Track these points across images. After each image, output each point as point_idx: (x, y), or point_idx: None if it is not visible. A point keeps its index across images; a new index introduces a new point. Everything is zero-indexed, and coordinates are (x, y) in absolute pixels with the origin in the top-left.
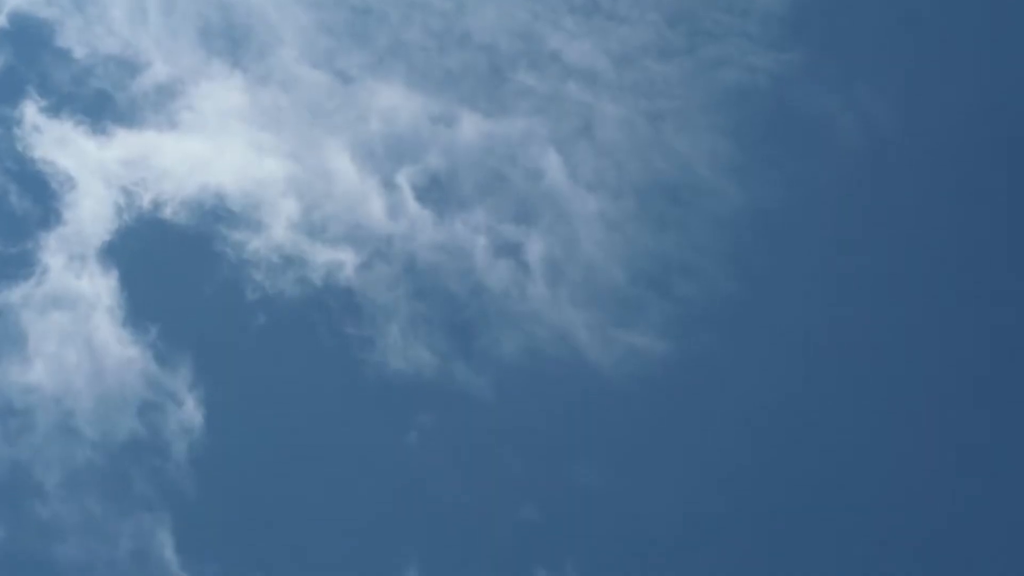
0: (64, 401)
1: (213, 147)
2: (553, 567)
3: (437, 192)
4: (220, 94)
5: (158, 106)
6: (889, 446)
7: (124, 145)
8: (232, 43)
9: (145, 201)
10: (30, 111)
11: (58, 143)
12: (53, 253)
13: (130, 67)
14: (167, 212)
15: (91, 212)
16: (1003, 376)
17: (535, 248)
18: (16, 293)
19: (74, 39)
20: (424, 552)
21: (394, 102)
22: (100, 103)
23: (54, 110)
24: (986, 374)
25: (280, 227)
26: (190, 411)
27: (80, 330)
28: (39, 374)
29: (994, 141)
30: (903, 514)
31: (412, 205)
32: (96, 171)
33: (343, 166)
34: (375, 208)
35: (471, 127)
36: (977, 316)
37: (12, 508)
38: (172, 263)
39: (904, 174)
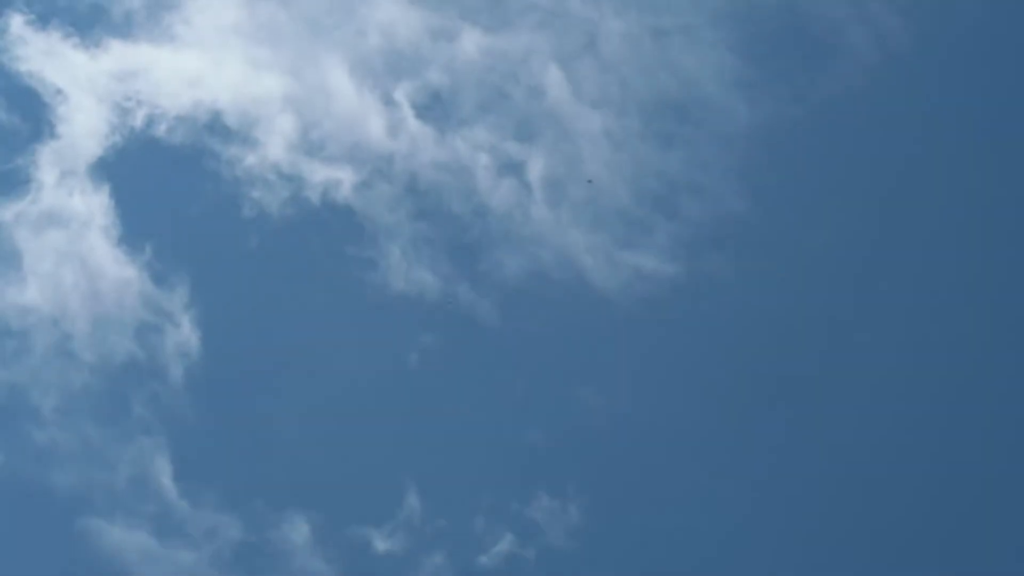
0: (61, 323)
1: (209, 62)
2: (556, 490)
3: (437, 109)
4: (217, 8)
5: (153, 19)
6: (898, 368)
7: (117, 58)
8: None
9: (139, 117)
10: (15, 22)
11: (45, 55)
12: (45, 170)
13: None
14: (161, 128)
15: (83, 127)
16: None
17: (538, 168)
18: (9, 211)
19: None
20: (425, 475)
21: (393, 16)
22: (93, 15)
23: (42, 22)
24: (992, 296)
25: (277, 145)
26: (187, 333)
27: (75, 249)
28: (35, 295)
29: (1007, 55)
30: (901, 428)
31: (412, 123)
32: (87, 85)
33: (342, 82)
34: (374, 126)
35: (472, 42)
36: (984, 233)
37: (9, 433)
38: (167, 181)
39: (916, 89)
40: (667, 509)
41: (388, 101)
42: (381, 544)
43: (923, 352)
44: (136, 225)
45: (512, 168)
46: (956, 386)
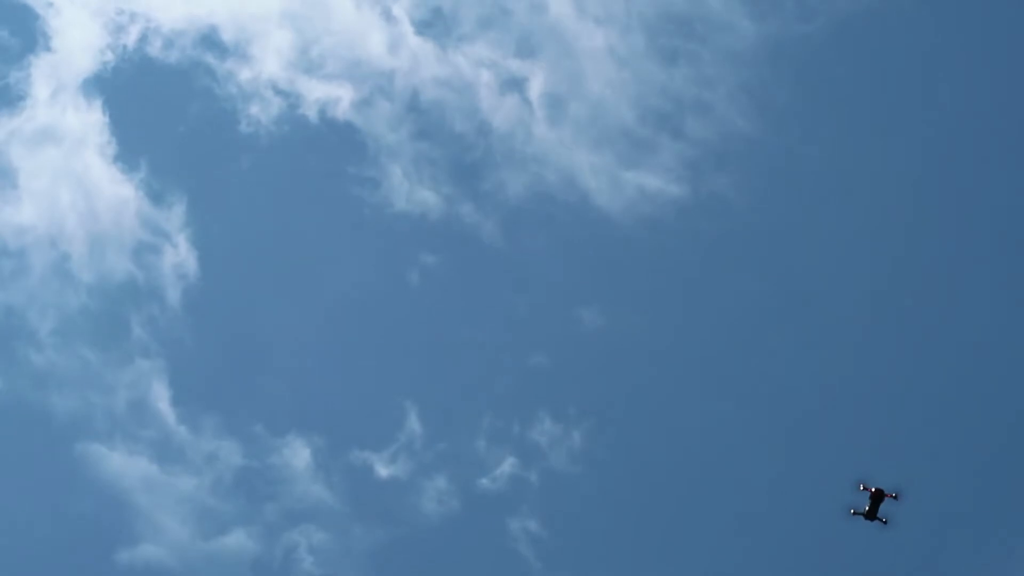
0: (58, 243)
1: None
2: (558, 413)
3: (438, 25)
4: None
5: None
6: (902, 291)
7: None
8: None
9: (133, 31)
10: None
11: None
12: (39, 85)
13: None
14: (156, 43)
15: (77, 42)
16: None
17: (540, 85)
18: (3, 128)
19: None
20: (427, 398)
21: None
22: None
23: None
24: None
25: (274, 61)
26: (184, 253)
27: (71, 167)
28: (31, 214)
29: None
30: (900, 349)
31: (412, 39)
32: None
33: None
34: (374, 42)
35: None
36: (987, 156)
37: (7, 357)
38: (162, 97)
39: (925, 9)
40: (670, 431)
41: (388, 17)
42: (383, 469)
43: (926, 274)
44: (131, 142)
45: (514, 85)
46: (954, 301)
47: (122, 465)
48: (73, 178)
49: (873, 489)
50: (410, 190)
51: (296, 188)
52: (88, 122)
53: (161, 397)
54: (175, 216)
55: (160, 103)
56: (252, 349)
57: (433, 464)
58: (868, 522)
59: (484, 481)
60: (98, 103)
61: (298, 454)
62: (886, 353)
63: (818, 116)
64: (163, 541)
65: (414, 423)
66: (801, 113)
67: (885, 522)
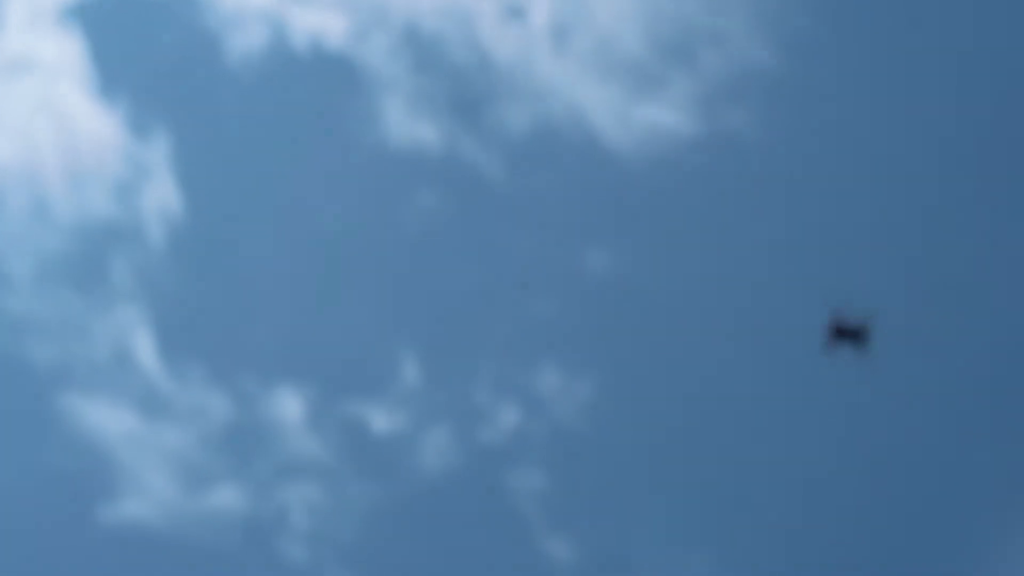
0: (35, 180)
1: None
2: (562, 361)
3: None
4: None
5: None
6: (921, 227)
7: None
8: None
9: None
10: None
11: None
12: (12, 12)
13: None
14: None
15: None
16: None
17: (544, 15)
18: None
19: None
20: (425, 345)
21: None
22: None
23: None
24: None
25: None
26: (168, 192)
27: (47, 99)
28: (6, 149)
29: None
30: (917, 283)
31: None
32: None
33: None
34: None
35: None
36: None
37: None
38: (143, 25)
39: None
40: (682, 381)
41: None
42: (379, 421)
43: (944, 207)
44: (111, 73)
45: (516, 14)
46: (977, 243)
47: (104, 418)
48: (50, 111)
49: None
50: (407, 126)
51: (286, 123)
52: (65, 52)
53: (145, 346)
54: (158, 152)
55: (141, 32)
56: (240, 294)
57: (432, 415)
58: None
59: (486, 433)
60: (76, 31)
61: (290, 406)
62: (902, 295)
63: (842, 47)
64: (147, 497)
65: (412, 372)
66: (824, 44)
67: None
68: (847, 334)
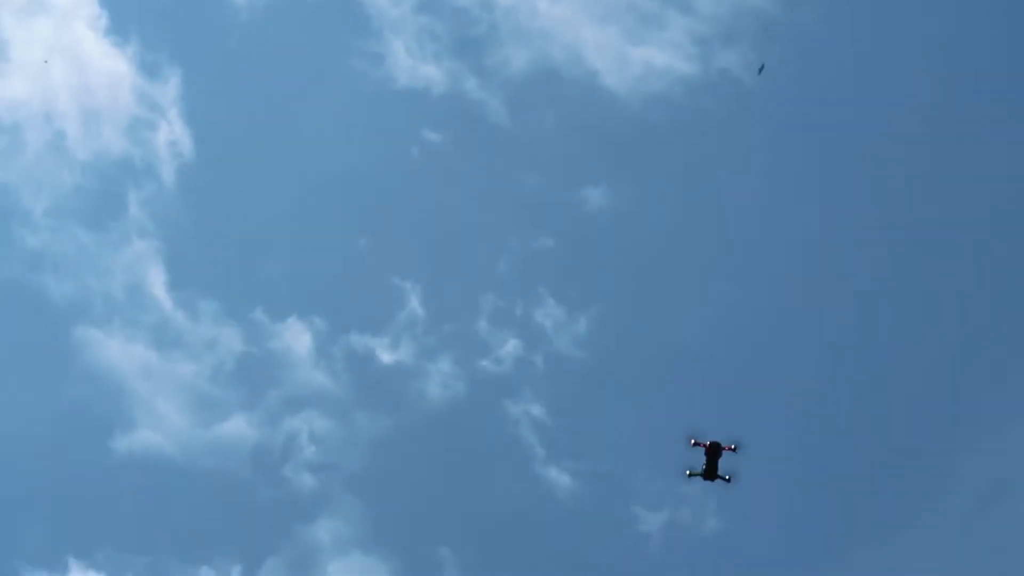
0: (53, 119)
1: None
2: (561, 294)
3: None
4: None
5: None
6: (920, 166)
7: None
8: None
9: None
10: None
11: None
12: None
13: None
14: None
15: None
16: None
17: None
18: None
19: None
20: (428, 279)
21: None
22: None
23: None
24: None
25: None
26: (179, 130)
27: (62, 40)
28: (24, 88)
29: None
30: (913, 218)
31: None
32: None
33: None
34: None
35: None
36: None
37: (1, 238)
38: None
39: None
40: (677, 314)
41: None
42: (385, 353)
43: (935, 142)
44: (122, 14)
45: None
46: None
47: (120, 351)
48: (64, 52)
49: (707, 443)
50: (413, 65)
51: (295, 62)
52: None
53: (159, 281)
54: (170, 91)
55: None
56: (250, 230)
57: (436, 347)
58: (708, 482)
59: (487, 364)
60: None
61: (299, 339)
62: (895, 237)
63: None
64: (161, 428)
65: (416, 306)
66: None
67: (728, 480)
68: (713, 455)
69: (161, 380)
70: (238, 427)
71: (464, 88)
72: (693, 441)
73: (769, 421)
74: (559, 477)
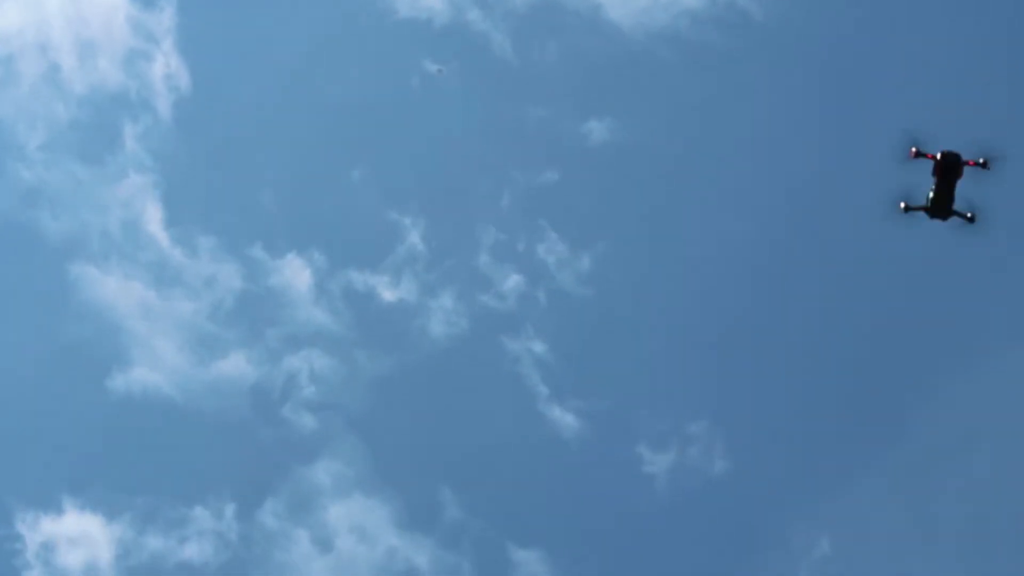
0: (47, 50)
1: None
2: (561, 226)
3: None
4: None
5: None
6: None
7: None
8: None
9: None
10: None
11: None
12: None
13: None
14: None
15: None
16: None
17: None
18: None
19: None
20: (429, 213)
21: None
22: None
23: None
24: None
25: None
26: (176, 61)
27: None
28: (17, 18)
29: None
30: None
31: None
32: None
33: None
34: None
35: None
36: None
37: None
38: None
39: None
40: (681, 251)
41: None
42: (386, 290)
43: (966, 68)
44: None
45: None
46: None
47: (117, 289)
48: None
49: (938, 155)
50: None
51: None
52: None
53: (156, 218)
54: (165, 21)
55: None
56: (248, 164)
57: (437, 283)
58: (938, 220)
59: (489, 299)
60: None
61: (299, 276)
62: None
63: None
64: (159, 367)
65: (417, 241)
66: None
67: (971, 219)
68: (946, 176)
69: (159, 318)
70: (237, 366)
71: (467, 19)
72: (915, 151)
73: (777, 359)
74: (562, 416)
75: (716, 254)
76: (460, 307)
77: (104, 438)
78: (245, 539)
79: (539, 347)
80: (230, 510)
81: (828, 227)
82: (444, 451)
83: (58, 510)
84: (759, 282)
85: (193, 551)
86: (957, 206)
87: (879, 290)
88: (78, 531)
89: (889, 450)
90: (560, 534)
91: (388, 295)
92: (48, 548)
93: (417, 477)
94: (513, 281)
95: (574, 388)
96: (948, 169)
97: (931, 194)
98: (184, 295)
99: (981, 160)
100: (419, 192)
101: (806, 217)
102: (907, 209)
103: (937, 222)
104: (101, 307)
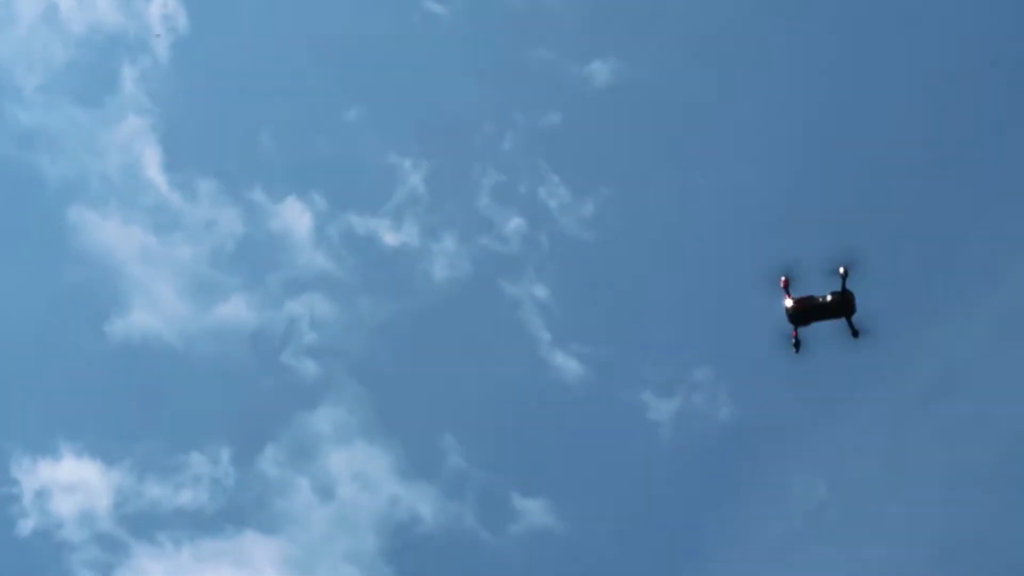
0: None
1: None
2: (563, 168)
3: None
4: None
5: None
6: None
7: None
8: None
9: None
10: None
11: None
12: None
13: None
14: None
15: None
16: None
17: None
18: None
19: None
20: (430, 156)
21: None
22: None
23: None
24: None
25: None
26: (173, 2)
27: None
28: None
29: None
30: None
31: None
32: None
33: None
34: None
35: None
36: None
37: None
38: None
39: None
40: (685, 194)
41: None
42: (387, 233)
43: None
44: None
45: None
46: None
47: (116, 234)
48: None
49: (794, 304)
50: None
51: None
52: None
53: (154, 162)
54: None
55: None
56: (246, 105)
57: (439, 226)
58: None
59: (490, 242)
60: None
61: (299, 219)
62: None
63: None
64: (158, 312)
65: (418, 183)
66: None
67: (857, 335)
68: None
69: (158, 263)
70: (237, 311)
71: None
72: (784, 280)
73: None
74: (566, 362)
75: (721, 198)
76: (462, 250)
77: (103, 383)
78: (245, 487)
79: (541, 291)
80: (230, 457)
81: (836, 167)
82: (446, 398)
83: (55, 455)
84: (764, 226)
85: (192, 498)
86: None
87: (890, 226)
88: (76, 477)
89: (892, 392)
90: (564, 482)
91: (389, 238)
92: (44, 494)
93: (419, 424)
94: (515, 224)
95: (577, 333)
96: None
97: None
98: (184, 240)
99: (841, 270)
100: (420, 134)
101: (814, 158)
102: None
103: None
104: (100, 252)
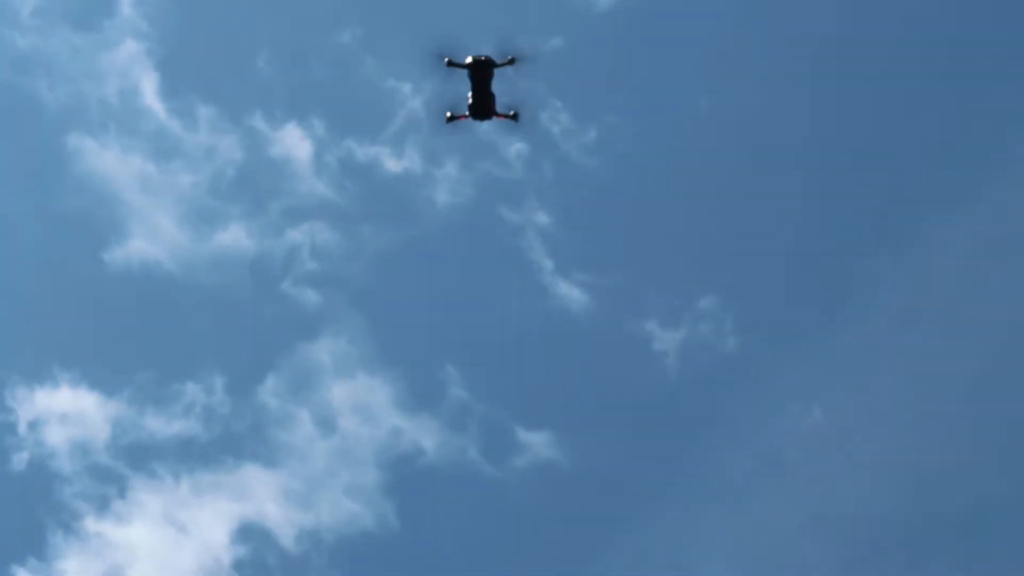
0: None
1: None
2: (565, 94)
3: None
4: None
5: None
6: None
7: None
8: None
9: None
10: None
11: None
12: None
13: None
14: None
15: None
16: None
17: None
18: None
19: None
20: (431, 79)
21: None
22: None
23: None
24: None
25: None
26: None
27: None
28: None
29: None
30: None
31: None
32: None
33: None
34: None
35: None
36: None
37: None
38: None
39: None
40: (691, 120)
41: None
42: (388, 160)
43: None
44: None
45: None
46: None
47: (115, 161)
48: None
49: (469, 61)
50: None
51: None
52: None
53: (152, 88)
54: None
55: None
56: (245, 29)
57: (440, 151)
58: (482, 122)
59: (493, 168)
60: None
61: (299, 146)
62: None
63: None
64: (157, 240)
65: (418, 108)
66: None
67: (515, 117)
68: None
69: (157, 191)
70: (237, 239)
71: None
72: (448, 60)
73: (789, 235)
74: (569, 291)
75: (728, 125)
76: (464, 176)
77: (101, 312)
78: (244, 418)
79: (544, 218)
80: (228, 388)
81: (845, 94)
82: (449, 328)
83: (52, 384)
84: (771, 154)
85: (189, 430)
86: (499, 107)
87: (895, 155)
88: (73, 407)
89: (896, 323)
90: (567, 414)
91: (391, 165)
92: (40, 423)
93: (421, 355)
94: (516, 149)
95: (580, 262)
96: (481, 72)
97: (470, 99)
98: (183, 167)
99: (511, 112)
100: (417, 58)
101: (822, 82)
102: (450, 119)
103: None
104: (99, 179)
